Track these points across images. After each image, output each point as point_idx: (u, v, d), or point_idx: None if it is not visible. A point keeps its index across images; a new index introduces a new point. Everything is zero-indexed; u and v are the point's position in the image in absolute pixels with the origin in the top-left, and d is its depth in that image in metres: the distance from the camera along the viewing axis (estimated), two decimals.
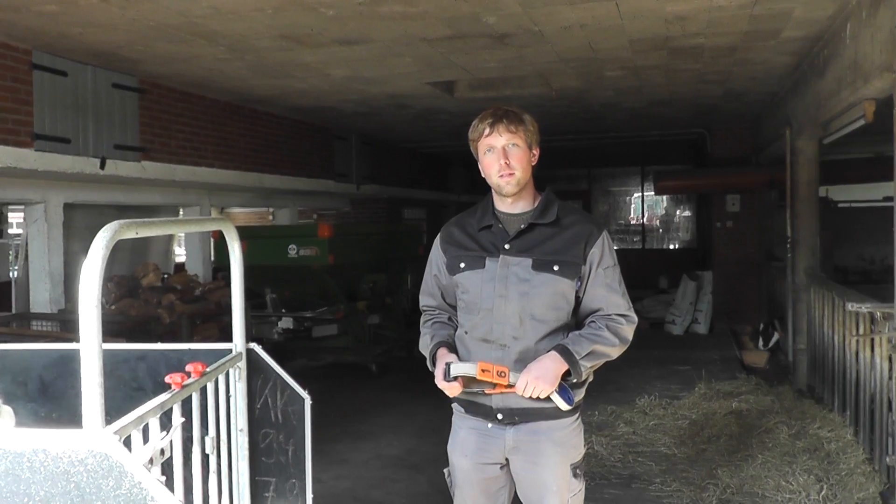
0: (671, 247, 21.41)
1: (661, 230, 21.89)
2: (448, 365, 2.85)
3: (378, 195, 14.58)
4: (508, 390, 2.85)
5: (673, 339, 12.66)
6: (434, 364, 3.00)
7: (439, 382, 2.89)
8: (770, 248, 12.45)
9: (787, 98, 9.20)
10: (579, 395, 2.98)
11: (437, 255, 3.15)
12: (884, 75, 4.93)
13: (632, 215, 22.17)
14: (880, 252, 12.05)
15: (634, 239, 21.72)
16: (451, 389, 2.88)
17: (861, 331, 6.04)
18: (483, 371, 2.81)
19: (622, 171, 20.94)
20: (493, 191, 3.07)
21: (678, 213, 21.48)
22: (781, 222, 9.83)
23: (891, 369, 5.38)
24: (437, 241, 3.18)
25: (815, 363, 8.05)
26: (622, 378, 9.12)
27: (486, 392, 2.90)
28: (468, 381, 2.88)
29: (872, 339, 5.80)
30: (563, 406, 2.85)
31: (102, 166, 7.35)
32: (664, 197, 20.98)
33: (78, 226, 8.60)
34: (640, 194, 21.31)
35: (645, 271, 18.40)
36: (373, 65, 7.70)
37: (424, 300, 3.22)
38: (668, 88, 9.48)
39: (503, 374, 2.82)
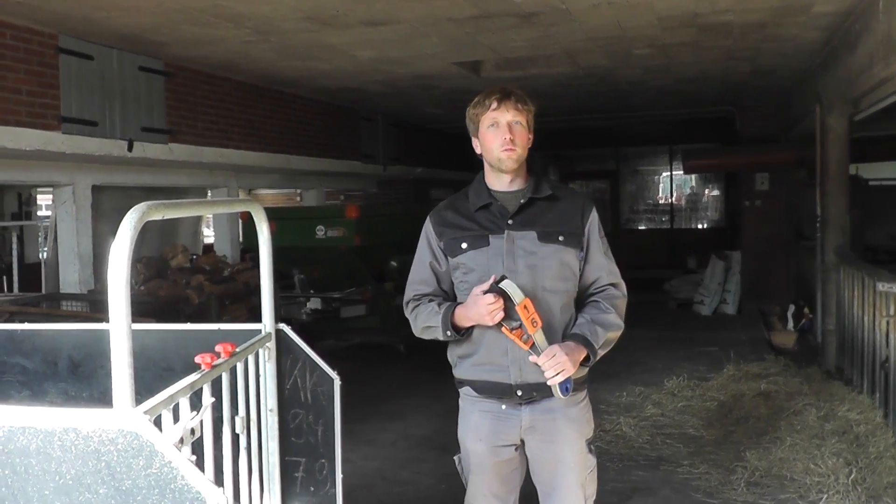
0: (699, 226, 21.24)
1: (689, 210, 21.70)
2: (504, 276, 2.81)
3: (404, 176, 14.56)
4: (524, 345, 2.81)
5: (701, 319, 12.56)
6: (450, 325, 2.92)
7: (483, 300, 2.79)
8: (799, 227, 12.31)
9: (817, 74, 9.08)
10: (582, 372, 2.97)
11: (430, 241, 3.09)
12: None
13: (660, 195, 22.01)
14: None
15: (663, 219, 21.54)
16: (494, 309, 2.78)
17: (892, 311, 5.97)
18: (525, 307, 2.76)
19: (650, 150, 20.73)
20: (486, 170, 3.06)
21: (706, 192, 21.29)
22: (811, 201, 9.71)
23: None
24: (427, 227, 3.11)
25: (845, 344, 7.97)
26: (650, 359, 9.09)
27: (509, 333, 2.82)
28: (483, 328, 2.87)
29: None
30: (559, 395, 2.83)
31: (130, 149, 7.40)
32: (692, 176, 20.79)
33: (106, 207, 8.67)
34: (668, 174, 21.13)
35: (673, 251, 18.29)
36: (399, 46, 7.68)
37: (417, 289, 3.11)
38: (696, 66, 9.38)
39: (535, 324, 2.78)
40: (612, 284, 3.04)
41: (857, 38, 6.67)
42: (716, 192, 20.94)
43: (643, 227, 21.33)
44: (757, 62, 9.20)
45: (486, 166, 3.05)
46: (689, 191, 21.58)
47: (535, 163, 3.26)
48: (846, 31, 7.14)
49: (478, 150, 3.05)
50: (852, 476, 5.29)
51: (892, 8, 5.50)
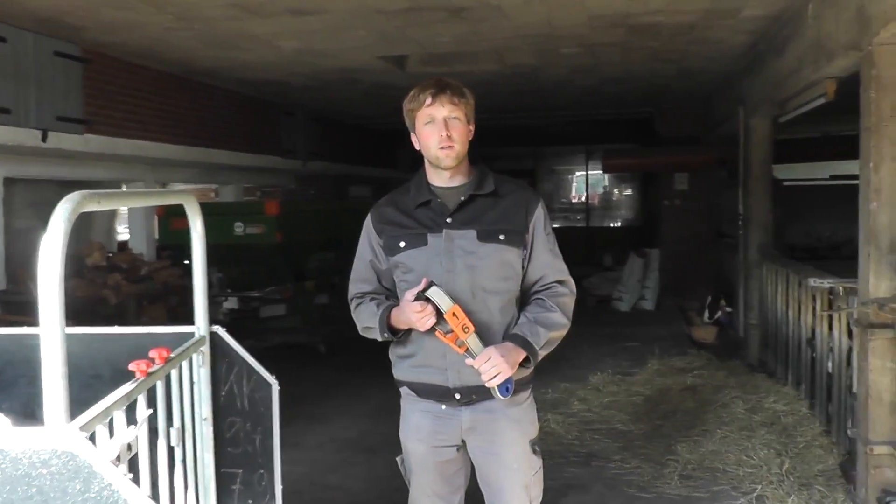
0: (615, 225, 21.55)
1: (604, 208, 22.04)
2: (431, 283, 2.70)
3: (324, 172, 14.35)
4: (459, 349, 2.73)
5: (621, 315, 12.67)
6: (387, 328, 2.84)
7: (411, 307, 2.70)
8: (719, 226, 12.54)
9: (742, 77, 9.22)
10: (525, 372, 2.89)
11: (371, 239, 3.00)
12: (849, 54, 4.93)
13: (574, 193, 22.31)
14: (827, 229, 12.28)
15: (578, 217, 21.83)
16: (423, 317, 2.69)
17: (819, 306, 6.08)
18: (454, 314, 2.68)
19: (568, 149, 20.93)
20: (426, 166, 2.96)
21: (621, 191, 21.66)
22: (731, 200, 9.88)
23: (850, 343, 5.42)
24: (367, 224, 3.02)
25: (768, 338, 8.13)
26: (574, 355, 9.07)
27: (443, 337, 2.74)
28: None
29: (830, 314, 5.85)
30: (499, 397, 2.76)
31: (44, 139, 7.05)
32: (608, 175, 21.08)
33: (19, 202, 8.28)
34: (583, 173, 21.38)
35: (589, 249, 18.44)
36: (325, 37, 7.51)
37: (358, 287, 3.03)
38: (622, 67, 9.44)
39: (467, 330, 2.70)
40: (559, 282, 2.96)
41: (786, 43, 6.78)
42: (629, 192, 21.30)
43: (559, 226, 21.51)
44: (683, 64, 9.29)
45: (426, 162, 2.95)
46: (602, 190, 21.93)
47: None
48: (773, 35, 7.25)
49: (416, 147, 2.95)
50: (785, 466, 5.40)
51: (822, 13, 5.60)
